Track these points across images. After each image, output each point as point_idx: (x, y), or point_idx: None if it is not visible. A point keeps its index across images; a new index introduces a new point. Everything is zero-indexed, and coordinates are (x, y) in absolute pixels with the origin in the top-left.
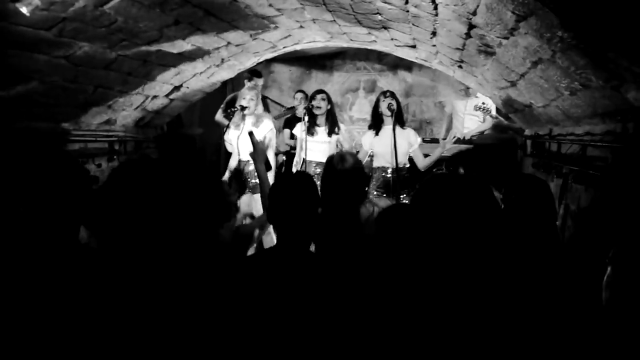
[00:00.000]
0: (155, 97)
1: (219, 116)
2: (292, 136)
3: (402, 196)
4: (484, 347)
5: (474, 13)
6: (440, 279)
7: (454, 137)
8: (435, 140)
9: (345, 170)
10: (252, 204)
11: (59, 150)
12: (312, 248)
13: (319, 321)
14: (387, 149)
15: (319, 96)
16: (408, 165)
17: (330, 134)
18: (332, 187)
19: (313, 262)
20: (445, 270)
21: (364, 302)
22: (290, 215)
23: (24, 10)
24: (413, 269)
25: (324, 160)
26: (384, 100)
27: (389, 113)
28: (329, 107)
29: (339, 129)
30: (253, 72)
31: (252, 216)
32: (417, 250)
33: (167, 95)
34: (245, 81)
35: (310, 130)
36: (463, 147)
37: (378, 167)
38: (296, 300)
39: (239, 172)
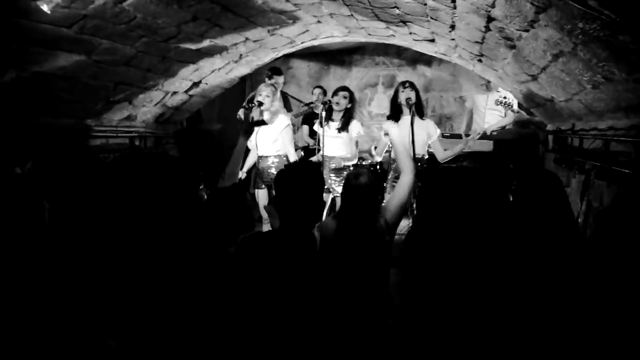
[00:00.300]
0: (174, 93)
1: (240, 113)
2: (311, 133)
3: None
4: (489, 342)
5: (493, 5)
6: (444, 273)
7: (478, 134)
8: (455, 136)
9: (360, 186)
10: (268, 198)
11: (81, 146)
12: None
13: (316, 302)
14: (404, 139)
15: (341, 93)
16: (427, 157)
17: (340, 130)
18: (349, 202)
19: (314, 244)
20: (449, 265)
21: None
22: (292, 200)
23: (45, 7)
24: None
25: (335, 154)
26: (402, 91)
27: (407, 105)
28: (349, 105)
29: (348, 128)
30: (273, 70)
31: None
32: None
33: (186, 91)
34: (266, 78)
35: (324, 124)
36: (484, 143)
37: (394, 159)
38: (296, 280)
39: (256, 167)
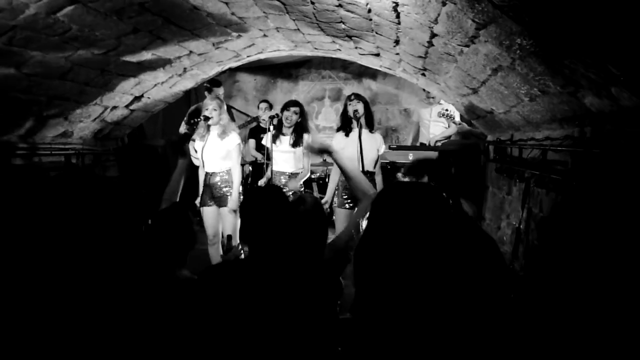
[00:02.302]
0: (114, 107)
1: (183, 128)
2: (258, 147)
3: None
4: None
5: (436, 21)
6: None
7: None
8: (402, 147)
9: (306, 211)
10: (217, 216)
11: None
12: None
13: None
14: (353, 153)
15: (292, 109)
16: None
17: (294, 145)
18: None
19: (285, 273)
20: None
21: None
22: (260, 230)
23: None
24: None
25: (288, 170)
26: (350, 104)
27: (355, 117)
28: (299, 119)
29: (302, 141)
30: (211, 82)
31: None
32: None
33: (127, 106)
34: (205, 93)
35: (274, 139)
36: (428, 153)
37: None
38: (265, 310)
39: (204, 184)
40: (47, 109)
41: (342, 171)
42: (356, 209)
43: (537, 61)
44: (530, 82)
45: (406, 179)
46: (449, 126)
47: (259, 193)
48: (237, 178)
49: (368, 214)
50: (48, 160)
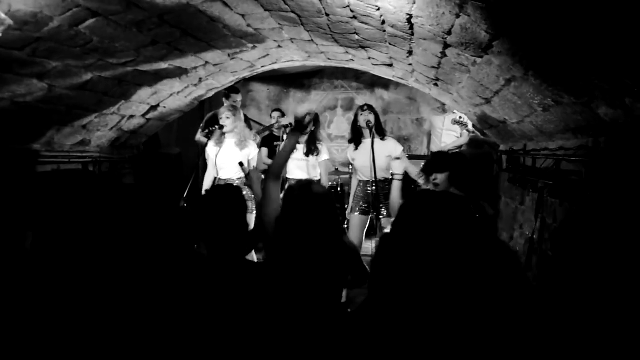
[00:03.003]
0: (131, 117)
1: (199, 136)
2: (270, 155)
3: (382, 211)
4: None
5: (449, 33)
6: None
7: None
8: (414, 157)
9: (313, 196)
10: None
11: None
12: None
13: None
14: (366, 162)
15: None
16: (390, 178)
17: (307, 154)
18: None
19: (244, 272)
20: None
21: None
22: (216, 228)
23: None
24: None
25: (302, 177)
26: (361, 115)
27: (367, 127)
28: (313, 127)
29: (317, 151)
30: (230, 89)
31: None
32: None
33: (143, 115)
34: (223, 99)
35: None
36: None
37: (360, 181)
38: (222, 307)
39: None
40: (66, 119)
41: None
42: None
43: (550, 72)
44: (543, 92)
45: (422, 178)
46: (461, 135)
47: (216, 192)
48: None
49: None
50: (66, 167)
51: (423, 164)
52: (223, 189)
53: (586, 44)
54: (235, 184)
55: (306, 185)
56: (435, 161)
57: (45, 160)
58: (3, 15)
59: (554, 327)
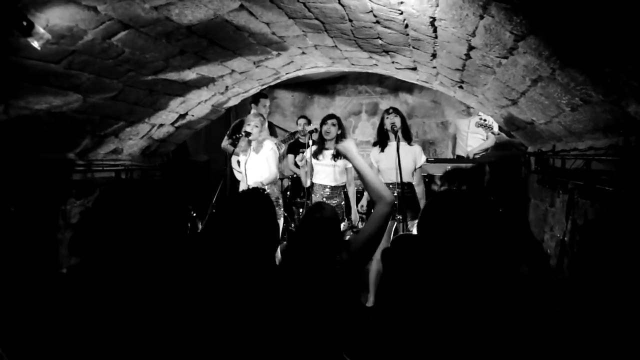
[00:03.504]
0: (161, 125)
1: (225, 143)
2: (296, 162)
3: (407, 214)
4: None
5: (473, 34)
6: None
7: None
8: (440, 160)
9: (323, 218)
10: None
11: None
12: None
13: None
14: (391, 165)
15: (329, 121)
16: (414, 182)
17: (335, 158)
18: (308, 233)
19: (273, 275)
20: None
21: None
22: (243, 231)
23: (35, 44)
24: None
25: (329, 183)
26: (387, 118)
27: (392, 131)
28: (339, 132)
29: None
30: (258, 94)
31: None
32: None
33: (172, 124)
34: (252, 105)
35: (317, 154)
36: (464, 165)
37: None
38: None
39: None
40: (99, 128)
41: (359, 173)
42: (372, 211)
43: (578, 70)
44: (571, 91)
45: (443, 188)
46: (487, 138)
47: (241, 197)
48: (269, 176)
49: (417, 220)
50: (100, 175)
51: (443, 173)
52: (252, 193)
53: (614, 41)
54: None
55: (319, 209)
56: (453, 175)
57: (79, 169)
58: (42, 30)
59: (585, 328)
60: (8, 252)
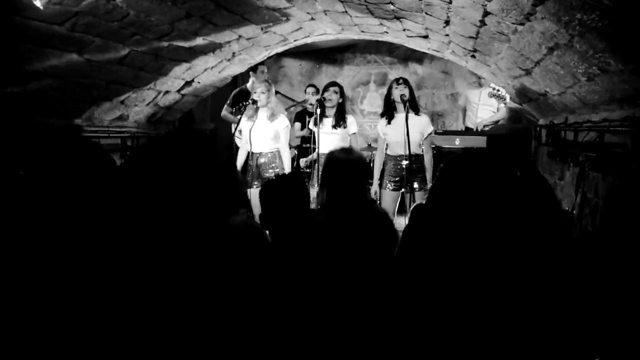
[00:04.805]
0: (167, 92)
1: (225, 112)
2: (302, 129)
3: (415, 185)
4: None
5: None
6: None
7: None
8: (448, 132)
9: (348, 161)
10: None
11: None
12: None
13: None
14: (399, 138)
15: (331, 89)
16: (421, 153)
17: (335, 126)
18: (336, 179)
19: (306, 264)
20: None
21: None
22: (282, 219)
23: (38, 3)
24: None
25: (329, 150)
26: (396, 88)
27: (401, 102)
28: (340, 100)
29: (345, 124)
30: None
31: None
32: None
33: (178, 91)
34: (250, 72)
35: (319, 122)
36: (477, 139)
37: (391, 156)
38: (290, 296)
39: (249, 164)
40: (105, 94)
41: None
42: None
43: (598, 37)
44: (589, 60)
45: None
46: (497, 110)
47: (280, 182)
48: (287, 159)
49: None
50: (106, 142)
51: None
52: (288, 179)
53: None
54: (270, 158)
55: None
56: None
57: (86, 135)
58: None
59: (594, 302)
60: (18, 215)
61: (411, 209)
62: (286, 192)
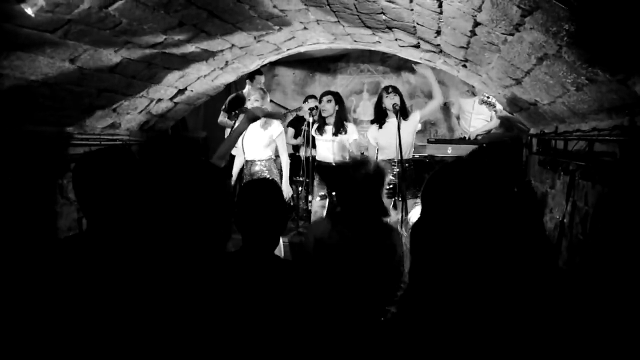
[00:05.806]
0: (159, 100)
1: (222, 117)
2: (296, 136)
3: (407, 196)
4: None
5: (479, 9)
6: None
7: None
8: (440, 141)
9: (367, 174)
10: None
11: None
12: None
13: (277, 324)
14: (391, 142)
15: (324, 98)
16: (413, 157)
17: (335, 133)
18: (351, 192)
19: (276, 266)
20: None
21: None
22: (255, 222)
23: (29, 11)
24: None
25: (331, 158)
26: (386, 97)
27: (392, 110)
28: (337, 107)
29: (345, 130)
30: (254, 71)
31: None
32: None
33: (171, 99)
34: (247, 81)
35: (320, 130)
36: (470, 148)
37: (382, 161)
38: (256, 302)
39: (243, 172)
40: (97, 101)
41: None
42: None
43: (585, 48)
44: (577, 70)
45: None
46: (490, 119)
47: (256, 185)
48: (286, 167)
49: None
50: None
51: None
52: (261, 183)
53: (624, 16)
54: (263, 165)
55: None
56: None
57: (77, 142)
58: None
59: (584, 311)
60: (5, 223)
61: (410, 228)
62: (261, 196)
